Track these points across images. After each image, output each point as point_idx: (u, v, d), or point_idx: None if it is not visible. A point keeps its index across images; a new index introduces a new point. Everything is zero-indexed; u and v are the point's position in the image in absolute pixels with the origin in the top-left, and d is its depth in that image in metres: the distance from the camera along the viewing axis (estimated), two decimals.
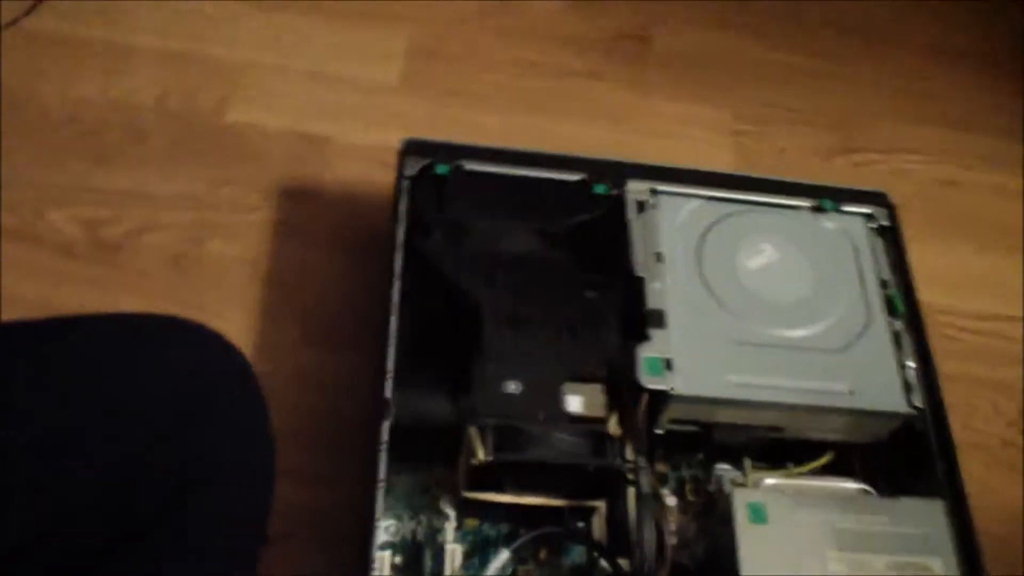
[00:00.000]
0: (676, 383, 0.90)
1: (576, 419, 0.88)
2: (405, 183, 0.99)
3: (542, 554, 0.90)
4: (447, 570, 0.87)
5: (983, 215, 1.31)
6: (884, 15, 1.50)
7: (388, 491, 0.90)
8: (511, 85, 1.31)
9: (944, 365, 1.12)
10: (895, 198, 1.06)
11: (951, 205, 1.31)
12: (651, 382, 0.89)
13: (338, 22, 1.33)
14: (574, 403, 0.89)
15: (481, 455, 0.84)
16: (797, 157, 1.31)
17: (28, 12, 1.25)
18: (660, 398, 0.90)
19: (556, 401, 0.88)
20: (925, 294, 1.17)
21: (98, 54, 1.23)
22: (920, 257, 1.21)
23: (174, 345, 0.76)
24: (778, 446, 0.95)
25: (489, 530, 0.90)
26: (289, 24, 1.31)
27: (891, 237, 1.04)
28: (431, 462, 0.93)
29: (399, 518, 0.90)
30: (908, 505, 0.88)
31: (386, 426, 0.85)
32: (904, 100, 1.42)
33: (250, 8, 1.32)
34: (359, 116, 1.23)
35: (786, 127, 1.34)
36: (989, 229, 1.30)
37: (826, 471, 0.95)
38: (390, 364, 0.88)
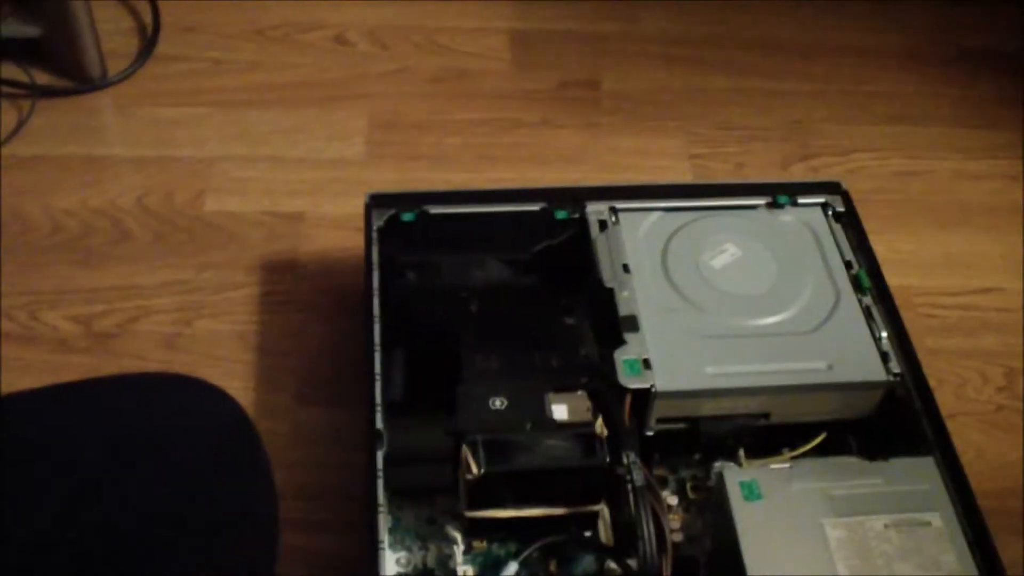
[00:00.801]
0: (656, 380, 0.92)
1: (563, 425, 0.90)
2: (375, 234, 1.03)
3: (552, 566, 0.91)
4: None
5: (941, 199, 1.35)
6: (808, 31, 1.57)
7: (395, 525, 0.94)
8: (470, 143, 1.36)
9: (927, 342, 1.17)
10: (856, 194, 1.09)
11: (910, 194, 1.35)
12: (631, 382, 0.92)
13: (298, 111, 1.39)
14: (559, 411, 0.91)
15: (475, 470, 0.87)
16: (756, 170, 1.35)
17: (8, 138, 1.32)
18: (643, 397, 0.92)
19: (541, 411, 0.91)
20: (898, 279, 1.21)
21: (76, 169, 1.29)
22: (888, 245, 1.26)
23: (181, 398, 0.79)
24: (771, 435, 0.97)
25: (498, 550, 0.92)
26: (251, 119, 1.37)
27: (849, 221, 1.08)
28: (433, 493, 0.95)
29: (408, 549, 0.93)
30: (900, 465, 0.89)
31: (380, 455, 0.88)
32: (847, 104, 1.47)
33: (212, 110, 1.38)
34: (329, 190, 1.29)
35: (741, 144, 1.39)
36: (949, 211, 1.34)
37: (822, 452, 0.96)
38: (377, 397, 0.91)
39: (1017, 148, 1.42)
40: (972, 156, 1.40)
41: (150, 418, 0.76)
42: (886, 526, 0.85)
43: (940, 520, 0.85)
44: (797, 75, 1.49)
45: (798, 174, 1.36)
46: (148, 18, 1.47)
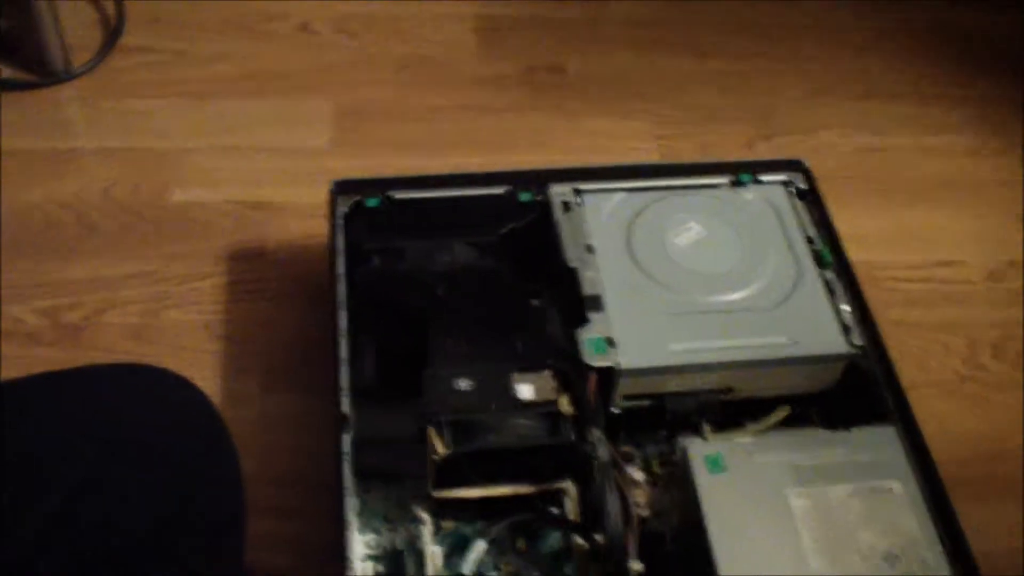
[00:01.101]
0: (620, 358, 0.93)
1: (528, 405, 0.91)
2: (340, 220, 1.04)
3: (520, 544, 0.92)
4: (429, 572, 0.89)
5: (904, 174, 1.37)
6: (772, 11, 1.58)
7: (364, 507, 0.94)
8: (437, 129, 1.37)
9: (890, 315, 1.18)
10: (820, 172, 1.11)
11: (873, 170, 1.37)
12: (596, 360, 0.93)
13: (263, 101, 1.39)
14: (525, 391, 0.92)
15: (441, 450, 0.87)
16: (721, 150, 1.36)
17: None
18: (608, 375, 0.93)
19: (507, 391, 0.91)
20: (862, 254, 1.22)
21: (41, 162, 1.29)
22: (852, 222, 1.26)
23: (147, 388, 0.80)
24: (737, 410, 0.98)
25: (466, 529, 0.93)
26: (217, 109, 1.38)
27: (810, 198, 1.09)
28: (402, 475, 0.95)
29: (377, 531, 0.93)
30: (861, 435, 0.91)
31: (347, 439, 0.89)
32: (810, 83, 1.48)
33: (178, 102, 1.38)
34: (295, 179, 1.29)
35: (706, 125, 1.40)
36: (912, 186, 1.35)
37: (787, 425, 0.97)
38: (344, 382, 0.92)
39: (977, 124, 1.43)
40: (933, 132, 1.42)
41: (115, 410, 0.76)
42: (849, 494, 0.86)
43: (901, 487, 0.87)
44: (761, 55, 1.51)
45: (763, 153, 1.37)
46: (112, 10, 1.47)
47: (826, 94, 1.46)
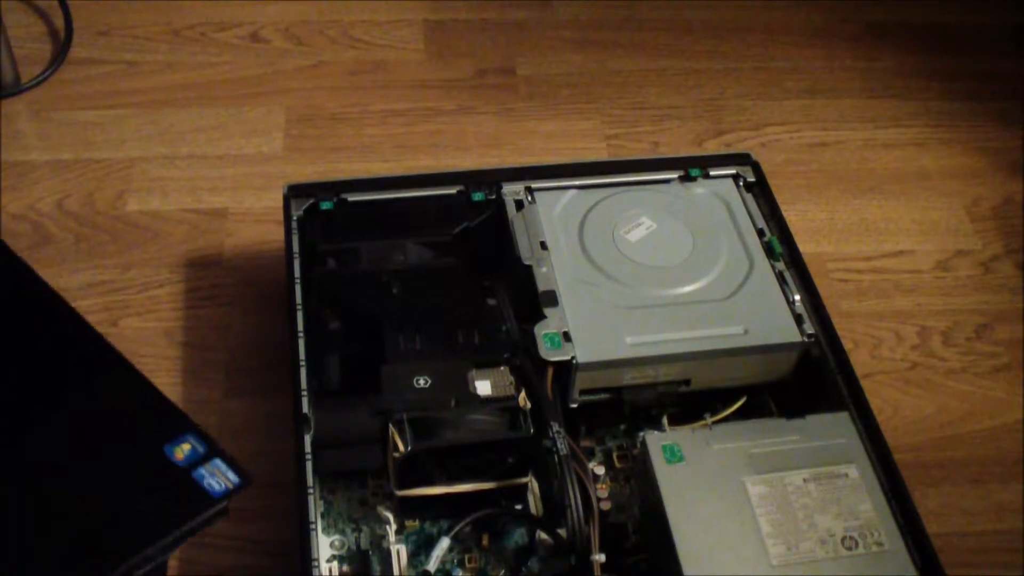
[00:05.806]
0: (576, 352, 0.94)
1: (487, 400, 0.92)
2: (294, 224, 1.04)
3: (484, 540, 0.93)
4: (395, 571, 0.89)
5: (852, 168, 1.38)
6: (718, 11, 1.60)
7: (328, 508, 0.95)
8: (390, 133, 1.38)
9: (843, 305, 1.20)
10: (769, 167, 1.12)
11: (822, 164, 1.38)
12: (552, 355, 0.94)
13: (216, 109, 1.39)
14: (483, 387, 0.93)
15: (402, 448, 0.88)
16: (671, 148, 1.38)
17: None
18: (565, 369, 0.94)
19: (465, 387, 0.92)
20: (813, 246, 1.25)
21: None
22: (802, 215, 1.29)
23: None
24: (695, 402, 0.99)
25: (430, 528, 0.94)
26: (169, 119, 1.37)
27: (760, 190, 1.10)
28: (364, 475, 0.97)
29: (342, 532, 0.94)
30: (817, 421, 0.92)
31: (307, 439, 0.89)
32: (758, 80, 1.50)
33: (130, 112, 1.38)
34: (250, 185, 1.29)
35: (656, 124, 1.41)
36: (860, 179, 1.37)
37: (744, 415, 0.98)
38: (303, 383, 0.92)
39: (922, 117, 1.45)
40: (880, 126, 1.44)
41: None
42: (805, 480, 0.87)
43: (856, 471, 0.88)
44: (708, 54, 1.52)
45: (712, 150, 1.38)
46: (60, 23, 1.47)
47: (773, 91, 1.48)
